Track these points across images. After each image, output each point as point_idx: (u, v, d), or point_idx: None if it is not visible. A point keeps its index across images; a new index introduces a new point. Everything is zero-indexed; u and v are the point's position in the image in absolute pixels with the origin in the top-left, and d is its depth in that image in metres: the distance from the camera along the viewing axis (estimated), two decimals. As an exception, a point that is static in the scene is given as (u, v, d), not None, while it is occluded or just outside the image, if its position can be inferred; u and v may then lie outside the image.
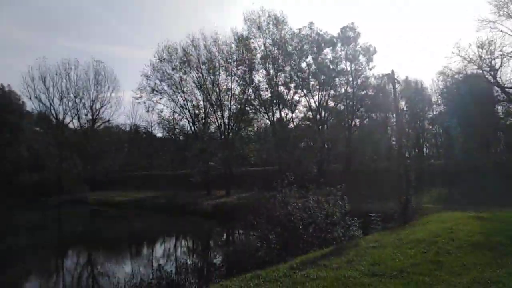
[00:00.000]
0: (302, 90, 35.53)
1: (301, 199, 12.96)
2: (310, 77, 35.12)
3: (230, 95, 39.30)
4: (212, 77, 39.27)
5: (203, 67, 39.01)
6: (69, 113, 58.03)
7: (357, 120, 36.52)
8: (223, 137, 39.28)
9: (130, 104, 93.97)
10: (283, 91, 36.17)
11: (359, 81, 34.20)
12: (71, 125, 60.32)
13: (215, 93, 39.46)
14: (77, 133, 59.35)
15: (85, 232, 26.36)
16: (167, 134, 56.82)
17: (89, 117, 58.96)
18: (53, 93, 55.94)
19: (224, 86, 39.69)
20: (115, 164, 60.26)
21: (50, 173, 56.67)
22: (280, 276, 6.62)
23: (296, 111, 37.59)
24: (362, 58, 33.50)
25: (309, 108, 36.55)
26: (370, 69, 33.66)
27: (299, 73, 35.01)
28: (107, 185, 51.87)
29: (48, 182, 53.89)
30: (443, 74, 34.20)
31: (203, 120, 41.96)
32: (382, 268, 6.59)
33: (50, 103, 56.46)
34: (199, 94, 41.13)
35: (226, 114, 39.60)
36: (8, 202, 47.50)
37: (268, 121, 38.95)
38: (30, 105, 63.03)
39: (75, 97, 56.76)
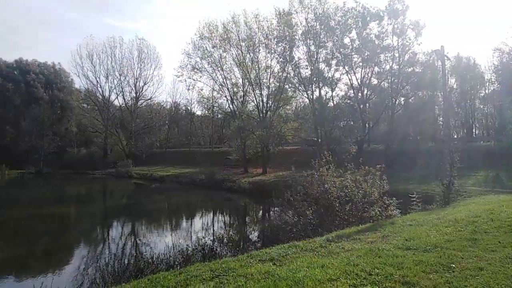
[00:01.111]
0: (344, 67, 34.28)
1: (339, 178, 12.78)
2: (353, 53, 33.66)
3: (269, 73, 39.10)
4: (251, 54, 39.15)
5: (243, 44, 38.88)
6: (114, 91, 60.54)
7: (402, 99, 34.95)
8: (261, 115, 39.26)
9: (171, 82, 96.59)
10: (324, 68, 35.00)
11: (406, 57, 32.35)
12: (116, 102, 62.91)
13: (254, 71, 39.33)
14: (122, 110, 61.57)
15: (129, 205, 27.72)
16: (206, 112, 57.91)
17: (133, 94, 61.19)
18: (100, 71, 58.36)
19: (264, 64, 39.54)
20: (156, 140, 62.48)
21: (97, 148, 59.89)
22: (316, 246, 6.86)
23: (337, 89, 36.40)
24: (410, 33, 31.59)
25: (351, 86, 35.38)
26: (419, 45, 31.75)
27: (341, 49, 33.50)
28: (148, 160, 53.93)
29: (94, 156, 57.04)
30: (499, 50, 32.01)
31: (242, 99, 42.19)
32: (416, 243, 6.63)
33: (97, 81, 59.07)
34: (238, 72, 41.36)
35: (265, 92, 39.58)
36: (58, 174, 50.85)
37: (307, 100, 38.13)
38: (79, 82, 66.21)
39: (120, 74, 58.96)
